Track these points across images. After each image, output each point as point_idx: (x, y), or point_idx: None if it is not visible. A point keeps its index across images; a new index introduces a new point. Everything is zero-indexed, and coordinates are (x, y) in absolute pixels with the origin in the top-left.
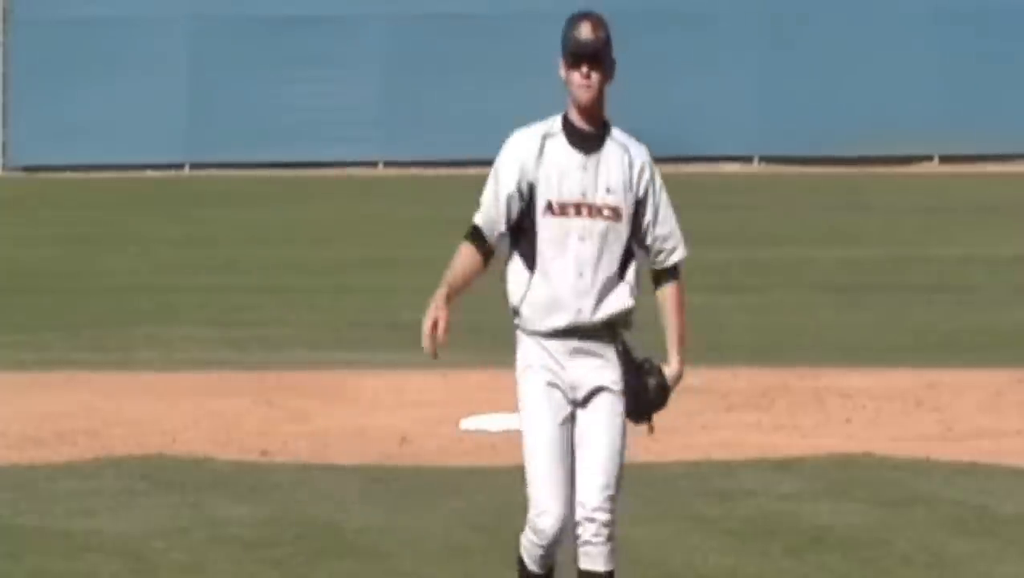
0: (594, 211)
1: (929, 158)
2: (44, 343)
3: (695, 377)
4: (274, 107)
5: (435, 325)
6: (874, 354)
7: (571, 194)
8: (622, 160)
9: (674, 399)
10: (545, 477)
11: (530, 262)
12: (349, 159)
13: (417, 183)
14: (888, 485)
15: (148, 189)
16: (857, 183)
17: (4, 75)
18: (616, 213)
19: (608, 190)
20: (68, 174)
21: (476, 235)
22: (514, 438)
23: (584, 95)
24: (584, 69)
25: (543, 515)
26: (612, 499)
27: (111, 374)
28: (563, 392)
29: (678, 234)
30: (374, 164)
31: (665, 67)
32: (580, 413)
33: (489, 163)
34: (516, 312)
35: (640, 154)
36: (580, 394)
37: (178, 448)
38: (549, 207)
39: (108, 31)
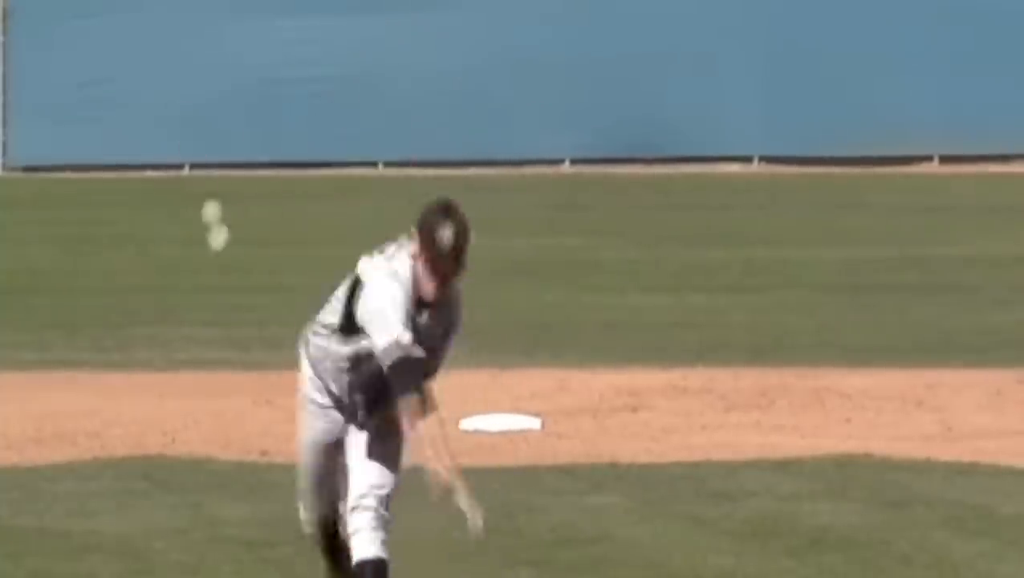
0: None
1: (929, 158)
2: (44, 343)
3: (695, 377)
4: (274, 107)
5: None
6: (874, 354)
7: None
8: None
9: (674, 399)
10: (316, 479)
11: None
12: (349, 159)
13: (417, 183)
14: (888, 485)
15: (148, 189)
16: (857, 183)
17: (4, 75)
18: None
19: None
20: (68, 174)
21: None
22: (514, 438)
23: (431, 295)
24: (441, 274)
25: (310, 523)
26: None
27: (111, 374)
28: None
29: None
30: (374, 164)
31: (665, 67)
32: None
33: (490, 163)
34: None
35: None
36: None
37: (178, 448)
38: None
39: (108, 30)
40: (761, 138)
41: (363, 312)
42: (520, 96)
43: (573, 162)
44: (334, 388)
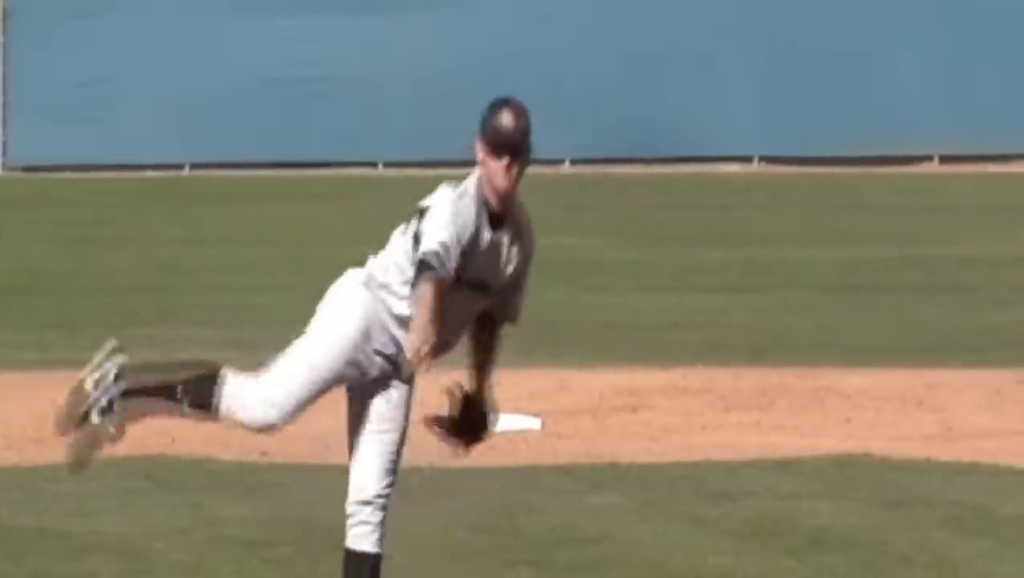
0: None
1: (929, 158)
2: (44, 343)
3: (695, 377)
4: (274, 107)
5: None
6: (874, 354)
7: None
8: (519, 231)
9: (674, 399)
10: (311, 389)
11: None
12: (349, 159)
13: (417, 183)
14: (888, 485)
15: (148, 189)
16: (857, 183)
17: (4, 75)
18: None
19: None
20: (68, 174)
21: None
22: (514, 438)
23: (502, 183)
24: (506, 160)
25: (280, 419)
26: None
27: None
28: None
29: (523, 302)
30: (374, 164)
31: (665, 67)
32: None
33: None
34: (389, 288)
35: (528, 224)
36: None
37: (178, 448)
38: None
39: (108, 30)
40: (761, 138)
41: (422, 227)
42: (520, 96)
43: (573, 162)
44: (378, 340)
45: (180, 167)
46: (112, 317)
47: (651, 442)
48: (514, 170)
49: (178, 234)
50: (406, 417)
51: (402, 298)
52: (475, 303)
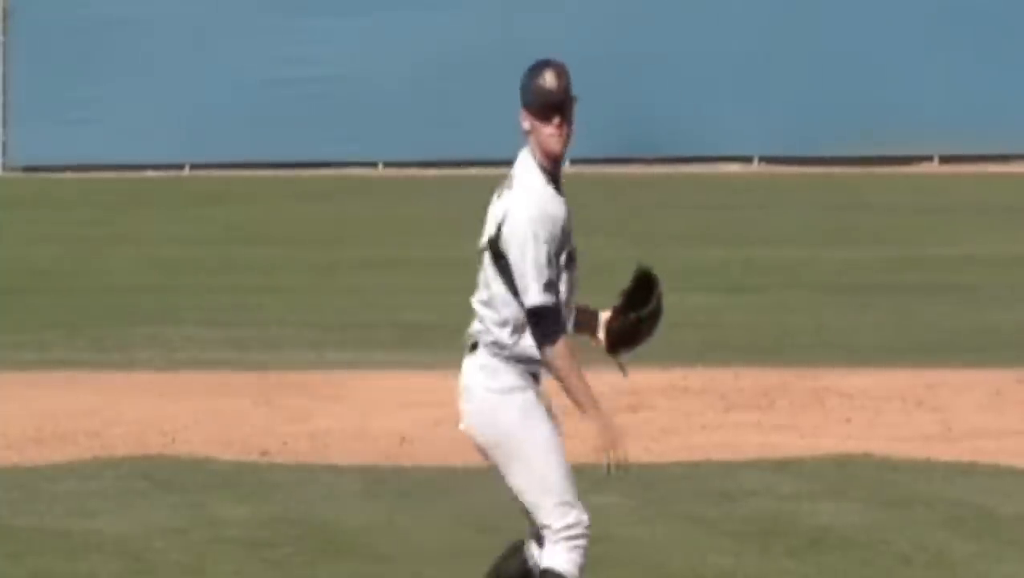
0: (574, 255)
1: (929, 158)
2: (44, 343)
3: (695, 377)
4: (274, 107)
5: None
6: (874, 354)
7: (569, 245)
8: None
9: (674, 399)
10: (570, 477)
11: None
12: (349, 159)
13: (417, 183)
14: (888, 485)
15: (148, 189)
16: (857, 183)
17: (4, 75)
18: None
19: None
20: (68, 174)
21: (557, 318)
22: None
23: (558, 145)
24: (556, 120)
25: (584, 511)
26: None
27: (111, 374)
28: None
29: None
30: (374, 164)
31: (665, 67)
32: None
33: (490, 163)
34: (507, 350)
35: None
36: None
37: (178, 448)
38: (570, 256)
39: (108, 31)
40: (761, 138)
41: (513, 260)
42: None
43: (573, 162)
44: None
45: (180, 167)
46: (112, 317)
47: (651, 442)
48: (565, 129)
49: (178, 234)
50: None
51: (519, 334)
52: (569, 274)
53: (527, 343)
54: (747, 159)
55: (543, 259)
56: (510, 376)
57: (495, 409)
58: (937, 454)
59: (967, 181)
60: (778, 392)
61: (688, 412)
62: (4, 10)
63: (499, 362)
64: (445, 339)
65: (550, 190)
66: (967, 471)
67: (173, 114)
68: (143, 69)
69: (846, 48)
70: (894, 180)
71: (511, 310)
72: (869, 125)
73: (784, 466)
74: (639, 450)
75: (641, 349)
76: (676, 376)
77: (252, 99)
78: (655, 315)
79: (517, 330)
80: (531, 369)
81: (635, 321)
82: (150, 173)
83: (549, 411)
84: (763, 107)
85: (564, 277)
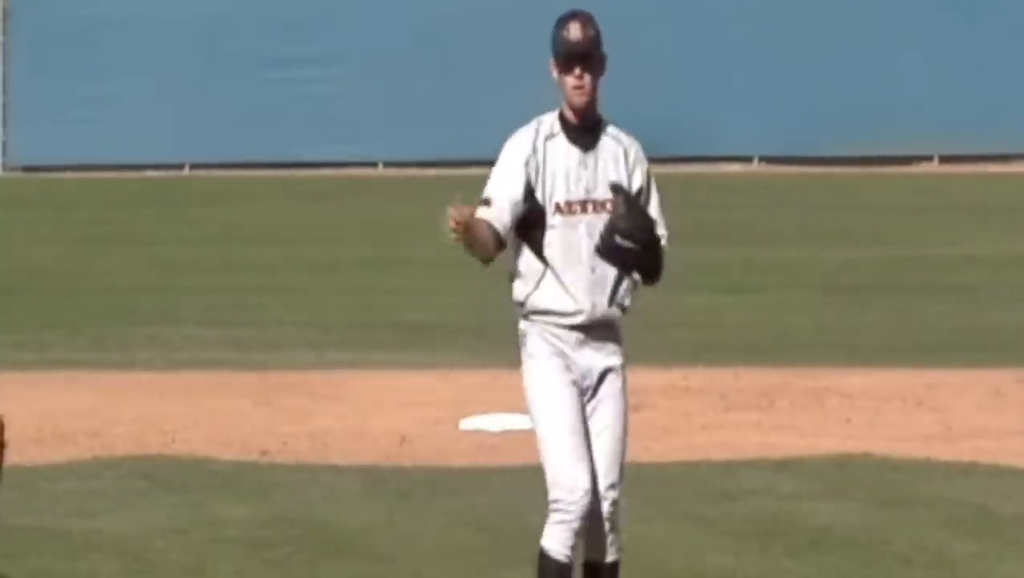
0: (597, 206)
1: (929, 158)
2: (44, 343)
3: (695, 377)
4: (274, 107)
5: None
6: (874, 354)
7: (576, 193)
8: (617, 154)
9: (674, 398)
10: (571, 452)
11: (540, 259)
12: (349, 159)
13: (417, 183)
14: (888, 485)
15: (148, 189)
16: (857, 183)
17: (4, 75)
18: None
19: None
20: (68, 174)
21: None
22: (514, 438)
23: (578, 99)
24: (577, 71)
25: (575, 490)
26: (615, 487)
27: (111, 374)
28: (575, 380)
29: (662, 221)
30: (374, 164)
31: (665, 67)
32: (589, 402)
33: (491, 164)
34: (525, 306)
35: (632, 146)
36: (590, 381)
37: (178, 448)
38: (558, 208)
39: (108, 31)
40: (761, 138)
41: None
42: (521, 96)
43: None
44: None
45: (180, 167)
46: (112, 317)
47: (651, 442)
48: (587, 80)
49: (178, 234)
50: (623, 412)
51: (527, 286)
52: (596, 232)
53: (541, 294)
54: (747, 159)
55: (495, 195)
56: (533, 341)
57: (523, 375)
58: (937, 454)
59: (967, 181)
60: (778, 392)
61: (688, 412)
62: (4, 10)
63: (526, 325)
64: (445, 339)
65: (527, 133)
66: (967, 471)
67: (173, 114)
68: (143, 69)
69: (846, 48)
70: (894, 180)
71: (514, 261)
72: (869, 125)
73: (784, 466)
74: (639, 450)
75: (642, 349)
76: (676, 376)
77: (252, 99)
78: (627, 223)
79: (524, 281)
80: (559, 322)
81: (608, 232)
82: (150, 173)
83: (582, 383)
84: (763, 107)
85: (556, 222)
